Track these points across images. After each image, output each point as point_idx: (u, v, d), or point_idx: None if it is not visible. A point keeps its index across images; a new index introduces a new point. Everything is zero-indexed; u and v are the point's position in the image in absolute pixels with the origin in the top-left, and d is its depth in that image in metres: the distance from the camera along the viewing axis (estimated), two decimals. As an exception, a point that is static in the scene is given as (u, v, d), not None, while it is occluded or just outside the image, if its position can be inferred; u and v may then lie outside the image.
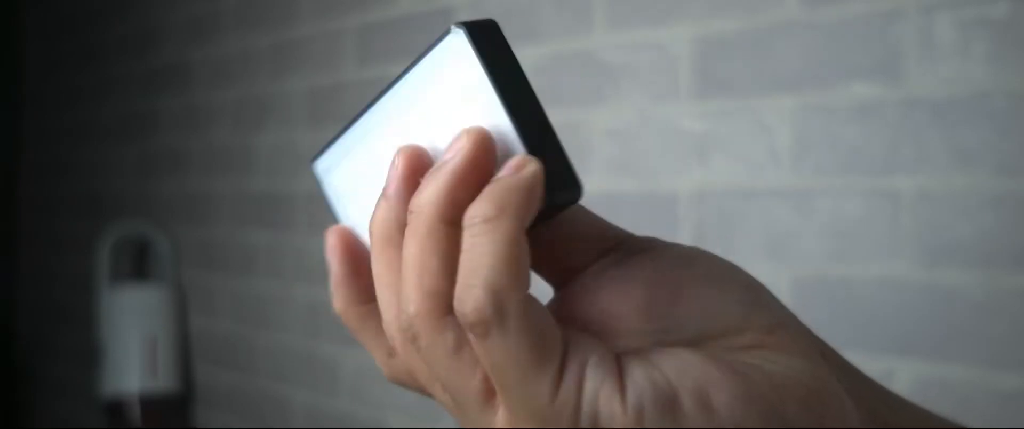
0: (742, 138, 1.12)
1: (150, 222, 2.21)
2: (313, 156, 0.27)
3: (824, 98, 1.05)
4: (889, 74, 1.00)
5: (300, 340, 1.81)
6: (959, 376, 0.96)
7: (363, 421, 1.67)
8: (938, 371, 0.97)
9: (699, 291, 0.28)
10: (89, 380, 2.51)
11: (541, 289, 1.18)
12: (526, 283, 0.25)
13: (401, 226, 0.28)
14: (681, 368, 0.25)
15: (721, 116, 1.14)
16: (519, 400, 0.25)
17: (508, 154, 0.27)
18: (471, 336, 0.25)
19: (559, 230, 0.29)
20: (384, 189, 0.28)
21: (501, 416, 0.26)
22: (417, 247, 0.26)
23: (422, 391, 0.30)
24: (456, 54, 0.28)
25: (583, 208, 0.30)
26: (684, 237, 1.18)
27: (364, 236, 0.32)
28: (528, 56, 1.38)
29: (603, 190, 1.28)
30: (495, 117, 0.27)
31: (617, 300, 0.28)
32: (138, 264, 2.24)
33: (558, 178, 0.27)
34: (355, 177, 0.32)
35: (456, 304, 0.25)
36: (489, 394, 0.27)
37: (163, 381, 1.82)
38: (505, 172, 0.25)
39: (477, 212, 0.25)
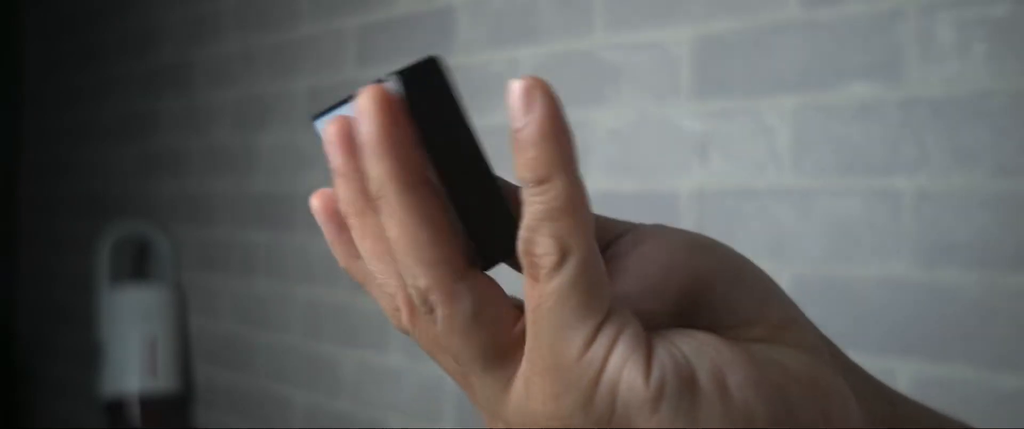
0: (742, 138, 1.12)
1: (150, 222, 2.21)
2: (314, 115, 0.27)
3: (824, 98, 1.05)
4: (889, 74, 1.00)
5: (300, 340, 1.81)
6: (959, 376, 0.96)
7: (363, 421, 1.67)
8: (938, 371, 0.97)
9: (715, 279, 0.28)
10: (89, 380, 2.51)
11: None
12: (590, 226, 0.25)
13: (364, 194, 0.27)
14: (698, 348, 0.25)
15: (721, 116, 1.14)
16: (549, 349, 0.25)
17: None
18: (528, 278, 0.25)
19: None
20: (333, 168, 0.28)
21: (520, 371, 0.26)
22: (399, 227, 0.26)
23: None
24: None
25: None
26: (684, 237, 1.18)
27: None
28: (528, 56, 1.38)
29: (603, 190, 1.28)
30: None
31: (634, 282, 0.28)
32: (138, 264, 2.25)
33: (489, 239, 0.26)
34: None
35: (523, 245, 0.25)
36: (506, 351, 0.26)
37: (163, 381, 1.82)
38: (518, 123, 0.25)
39: (525, 177, 0.25)
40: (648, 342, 0.25)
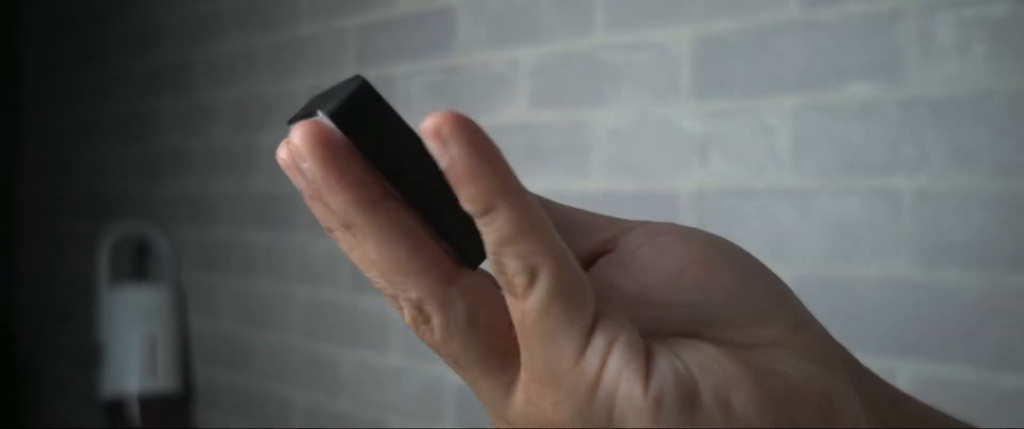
0: (742, 138, 1.12)
1: (150, 222, 2.21)
2: (290, 119, 0.26)
3: (824, 98, 1.05)
4: (889, 74, 1.00)
5: (300, 340, 1.81)
6: (959, 376, 0.96)
7: (363, 421, 1.67)
8: (938, 371, 0.97)
9: (731, 275, 0.28)
10: (89, 380, 2.51)
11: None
12: (552, 240, 0.24)
13: (335, 216, 0.27)
14: (705, 363, 0.25)
15: (721, 116, 1.14)
16: (542, 359, 0.25)
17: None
18: (507, 295, 0.25)
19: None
20: (305, 195, 0.27)
21: (520, 378, 0.26)
22: (376, 248, 0.26)
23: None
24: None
25: (580, 209, 0.31)
26: (684, 237, 1.18)
27: None
28: (528, 56, 1.38)
29: (603, 190, 1.28)
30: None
31: (653, 273, 0.28)
32: (138, 264, 2.25)
33: (465, 243, 0.26)
34: None
35: (494, 267, 0.25)
36: (505, 354, 0.26)
37: (163, 381, 1.82)
38: (443, 163, 0.24)
39: (471, 210, 0.24)
40: (647, 350, 0.25)
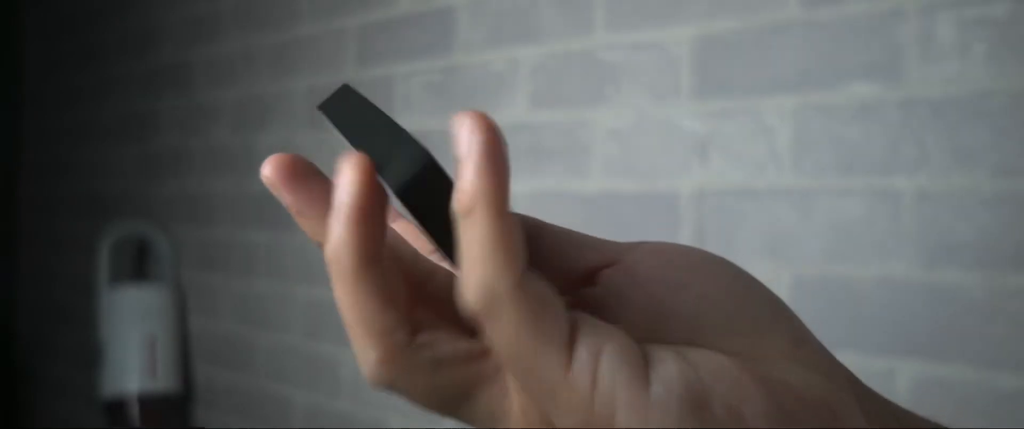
0: (742, 138, 1.12)
1: (150, 222, 2.21)
2: (321, 103, 0.26)
3: (824, 98, 1.05)
4: (889, 74, 1.00)
5: (300, 340, 1.81)
6: (959, 376, 0.96)
7: (363, 421, 1.67)
8: (938, 371, 0.97)
9: (732, 288, 0.28)
10: (89, 380, 2.51)
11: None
12: (516, 266, 0.24)
13: (320, 235, 0.28)
14: (715, 371, 0.26)
15: (721, 116, 1.14)
16: (529, 377, 0.25)
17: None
18: (477, 320, 0.25)
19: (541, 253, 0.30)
20: (291, 213, 0.27)
21: (516, 398, 0.27)
22: (349, 297, 0.26)
23: None
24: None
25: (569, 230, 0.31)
26: (684, 237, 1.18)
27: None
28: (528, 56, 1.38)
29: (603, 190, 1.28)
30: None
31: (658, 283, 0.28)
32: (138, 264, 2.25)
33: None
34: None
35: (459, 301, 0.25)
36: (471, 391, 0.27)
37: (163, 381, 1.82)
38: (466, 144, 0.24)
39: (458, 205, 0.25)
40: (643, 355, 0.25)
